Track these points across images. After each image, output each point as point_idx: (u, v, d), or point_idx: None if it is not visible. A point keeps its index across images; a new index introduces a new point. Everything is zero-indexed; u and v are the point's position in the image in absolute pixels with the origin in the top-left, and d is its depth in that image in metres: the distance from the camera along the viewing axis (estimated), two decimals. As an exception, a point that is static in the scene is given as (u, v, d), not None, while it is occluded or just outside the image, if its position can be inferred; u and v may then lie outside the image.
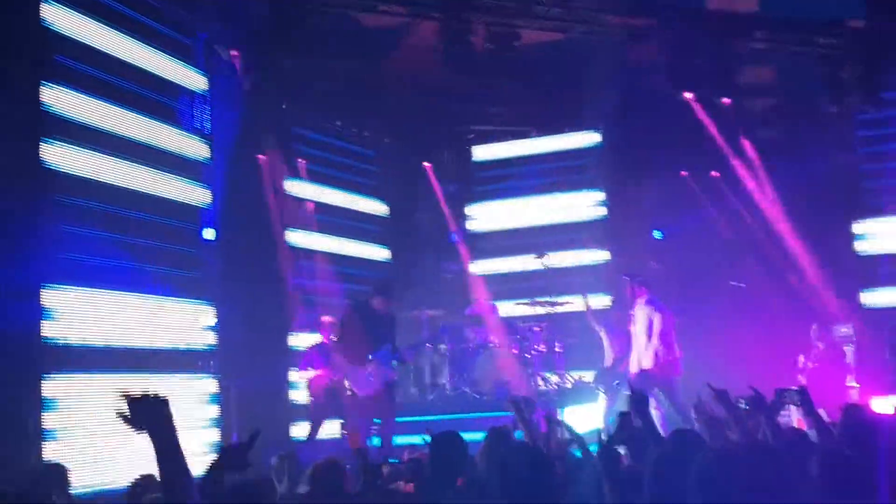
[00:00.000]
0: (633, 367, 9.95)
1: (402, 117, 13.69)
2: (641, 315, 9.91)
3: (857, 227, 12.62)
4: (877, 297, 12.49)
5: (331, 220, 13.06)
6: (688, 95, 12.11)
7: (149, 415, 2.79)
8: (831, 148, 12.19)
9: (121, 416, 2.78)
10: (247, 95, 10.67)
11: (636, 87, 11.77)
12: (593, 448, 4.92)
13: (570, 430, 5.62)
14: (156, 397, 2.81)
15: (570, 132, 14.13)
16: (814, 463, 3.71)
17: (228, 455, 3.48)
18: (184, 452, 2.82)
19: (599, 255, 13.68)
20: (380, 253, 14.04)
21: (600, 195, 13.88)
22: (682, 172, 13.08)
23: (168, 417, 2.80)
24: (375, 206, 14.13)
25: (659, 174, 12.60)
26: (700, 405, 6.37)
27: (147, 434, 2.79)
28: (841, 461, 3.76)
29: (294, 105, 12.04)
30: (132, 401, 2.78)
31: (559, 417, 5.67)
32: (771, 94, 13.04)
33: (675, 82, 11.74)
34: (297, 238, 12.27)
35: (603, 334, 11.12)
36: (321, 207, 12.90)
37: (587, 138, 14.08)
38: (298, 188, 12.41)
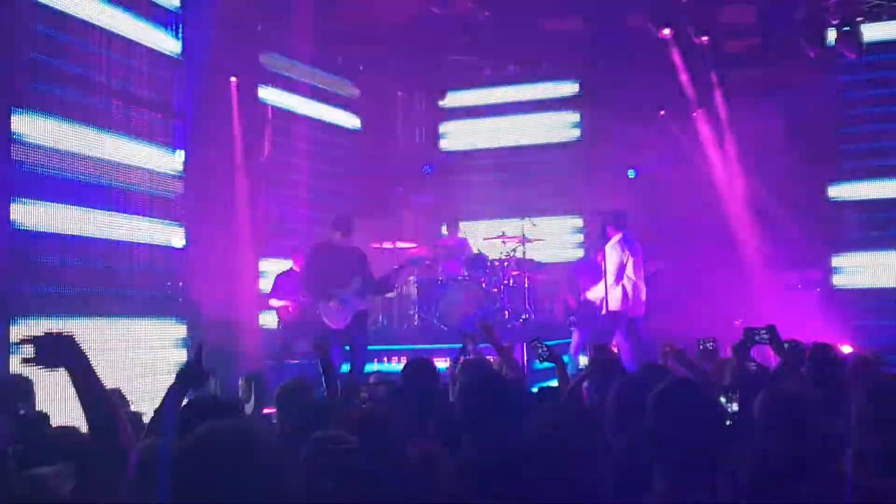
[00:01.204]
0: (602, 302, 9.97)
1: (379, 46, 13.47)
2: (613, 254, 9.90)
3: (832, 189, 12.63)
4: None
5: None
6: (666, 33, 12.00)
7: (58, 352, 2.86)
8: (810, 92, 12.13)
9: (27, 361, 2.84)
10: (220, 15, 10.42)
11: (615, 24, 11.65)
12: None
13: (545, 347, 5.62)
14: (59, 335, 2.88)
15: (546, 75, 14.06)
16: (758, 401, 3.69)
17: (184, 373, 3.48)
18: (102, 384, 2.92)
19: (575, 222, 13.87)
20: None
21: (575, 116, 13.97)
22: (661, 112, 13.02)
23: (78, 351, 2.88)
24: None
25: (636, 113, 12.51)
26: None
27: (64, 369, 2.87)
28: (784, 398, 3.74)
29: (268, 27, 11.81)
30: (36, 341, 2.85)
31: (534, 342, 5.65)
32: (750, 35, 12.92)
33: (655, 18, 11.64)
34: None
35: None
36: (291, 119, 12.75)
37: (565, 89, 14.07)
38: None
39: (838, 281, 12.44)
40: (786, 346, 5.12)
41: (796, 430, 3.43)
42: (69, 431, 3.76)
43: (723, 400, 4.74)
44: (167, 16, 9.83)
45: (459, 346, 6.88)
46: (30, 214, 7.85)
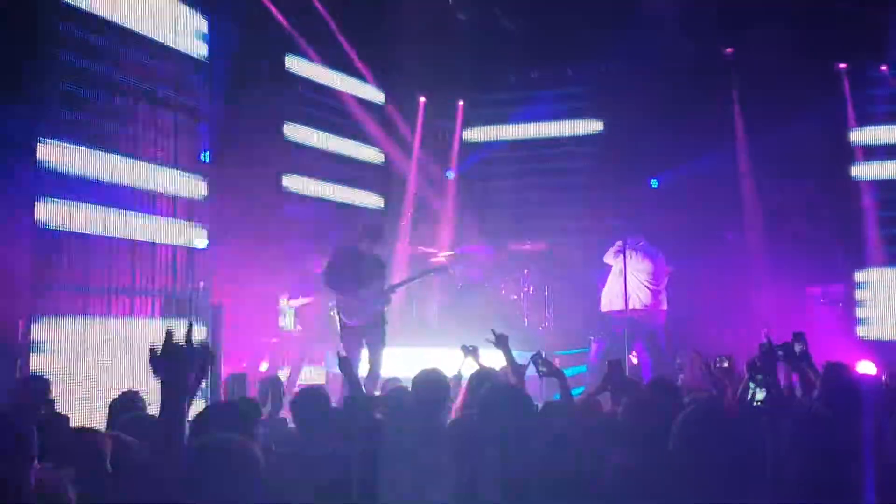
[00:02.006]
0: (616, 305, 9.96)
1: (401, 51, 13.53)
2: (635, 261, 9.90)
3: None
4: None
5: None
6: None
7: (172, 365, 2.79)
8: (829, 108, 12.10)
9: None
10: (246, 18, 10.54)
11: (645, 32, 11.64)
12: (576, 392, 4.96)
13: (547, 363, 5.64)
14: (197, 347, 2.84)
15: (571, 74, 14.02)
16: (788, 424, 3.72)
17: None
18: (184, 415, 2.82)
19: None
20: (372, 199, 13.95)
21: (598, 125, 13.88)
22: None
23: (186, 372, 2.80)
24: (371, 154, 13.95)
25: (661, 121, 12.49)
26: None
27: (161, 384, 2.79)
28: (818, 422, 3.77)
29: (294, 32, 11.92)
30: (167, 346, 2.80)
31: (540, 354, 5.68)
32: (779, 50, 12.86)
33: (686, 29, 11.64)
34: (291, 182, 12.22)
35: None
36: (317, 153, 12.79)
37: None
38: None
39: (861, 296, 12.35)
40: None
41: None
42: (88, 433, 3.80)
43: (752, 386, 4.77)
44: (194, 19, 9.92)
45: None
46: (54, 214, 7.93)
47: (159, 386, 2.81)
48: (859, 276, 12.41)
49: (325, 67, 12.66)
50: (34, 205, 7.69)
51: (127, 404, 4.96)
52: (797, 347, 5.03)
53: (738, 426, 3.10)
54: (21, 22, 7.62)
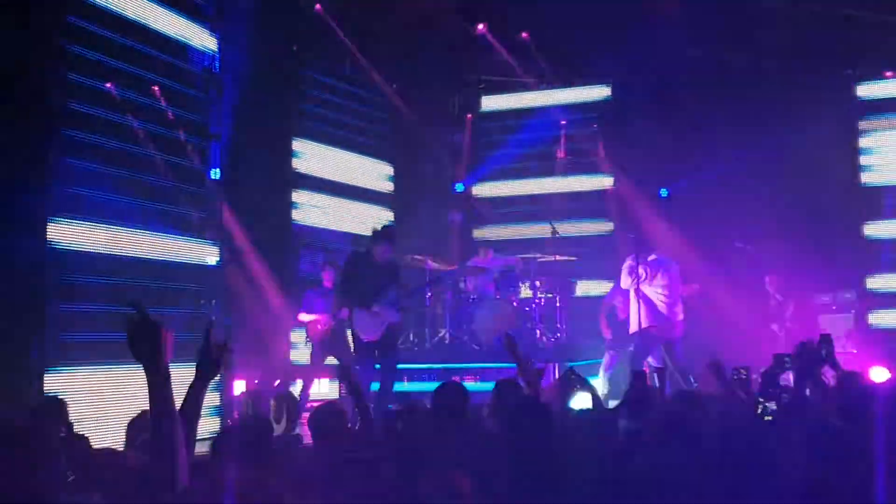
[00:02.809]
0: (634, 326, 9.96)
1: (411, 64, 13.61)
2: (624, 279, 9.89)
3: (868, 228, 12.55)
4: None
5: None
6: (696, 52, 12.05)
7: (147, 342, 2.74)
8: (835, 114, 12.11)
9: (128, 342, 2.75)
10: (257, 36, 10.60)
11: (649, 40, 11.67)
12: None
13: (580, 378, 5.63)
14: (154, 323, 2.75)
15: (580, 85, 14.06)
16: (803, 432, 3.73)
17: (201, 364, 3.34)
18: (170, 392, 2.76)
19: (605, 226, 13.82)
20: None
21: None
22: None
23: (161, 348, 2.74)
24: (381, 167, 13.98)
25: (669, 130, 12.51)
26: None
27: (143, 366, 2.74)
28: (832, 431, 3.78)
29: (303, 47, 12.00)
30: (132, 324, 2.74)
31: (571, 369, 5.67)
32: (784, 56, 12.89)
33: (689, 36, 11.66)
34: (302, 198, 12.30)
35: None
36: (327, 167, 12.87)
37: (596, 92, 14.03)
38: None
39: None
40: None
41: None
42: (110, 454, 3.80)
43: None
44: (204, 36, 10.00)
45: (490, 365, 6.82)
46: (67, 233, 7.98)
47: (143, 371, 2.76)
48: (870, 282, 12.39)
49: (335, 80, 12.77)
50: (46, 223, 7.74)
51: (144, 425, 4.96)
52: (823, 351, 5.02)
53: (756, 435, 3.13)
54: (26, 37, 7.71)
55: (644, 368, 9.30)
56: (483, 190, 14.71)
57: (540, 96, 14.39)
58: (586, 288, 12.84)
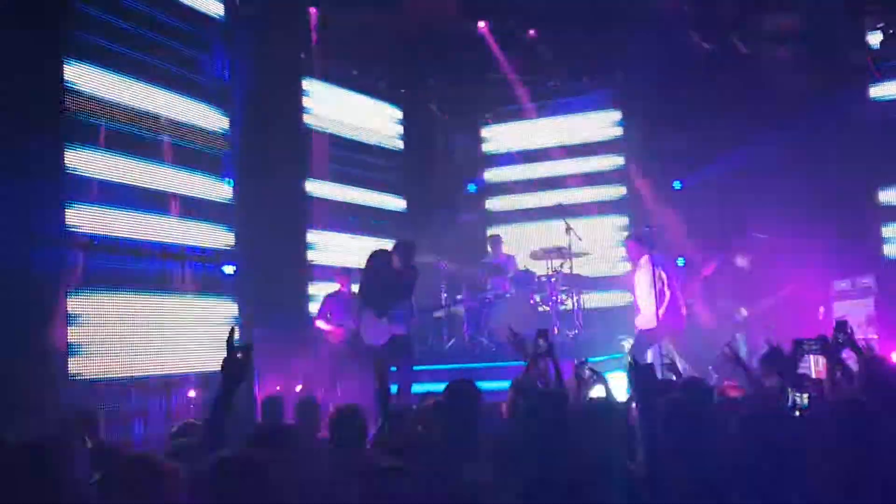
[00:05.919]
0: (640, 323, 9.93)
1: (420, 67, 13.63)
2: (644, 276, 9.84)
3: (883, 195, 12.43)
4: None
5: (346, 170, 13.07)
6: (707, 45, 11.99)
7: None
8: (851, 101, 12.02)
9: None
10: (264, 43, 10.65)
11: (661, 34, 11.64)
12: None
13: (594, 371, 5.62)
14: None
15: (588, 81, 14.06)
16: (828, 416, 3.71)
17: (227, 370, 3.55)
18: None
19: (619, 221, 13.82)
20: (396, 203, 14.02)
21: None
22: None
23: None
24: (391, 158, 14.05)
25: (682, 123, 12.46)
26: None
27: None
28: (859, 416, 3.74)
29: (311, 54, 12.03)
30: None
31: (585, 362, 5.66)
32: (795, 43, 12.82)
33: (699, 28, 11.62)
34: (314, 188, 12.32)
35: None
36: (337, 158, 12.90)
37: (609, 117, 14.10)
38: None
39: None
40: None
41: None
42: (145, 457, 3.78)
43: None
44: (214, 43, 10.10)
45: (509, 363, 6.81)
46: (84, 219, 8.12)
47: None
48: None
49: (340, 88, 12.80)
50: (64, 209, 7.88)
51: (185, 433, 4.94)
52: (840, 337, 5.00)
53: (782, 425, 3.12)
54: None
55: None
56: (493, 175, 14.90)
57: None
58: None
